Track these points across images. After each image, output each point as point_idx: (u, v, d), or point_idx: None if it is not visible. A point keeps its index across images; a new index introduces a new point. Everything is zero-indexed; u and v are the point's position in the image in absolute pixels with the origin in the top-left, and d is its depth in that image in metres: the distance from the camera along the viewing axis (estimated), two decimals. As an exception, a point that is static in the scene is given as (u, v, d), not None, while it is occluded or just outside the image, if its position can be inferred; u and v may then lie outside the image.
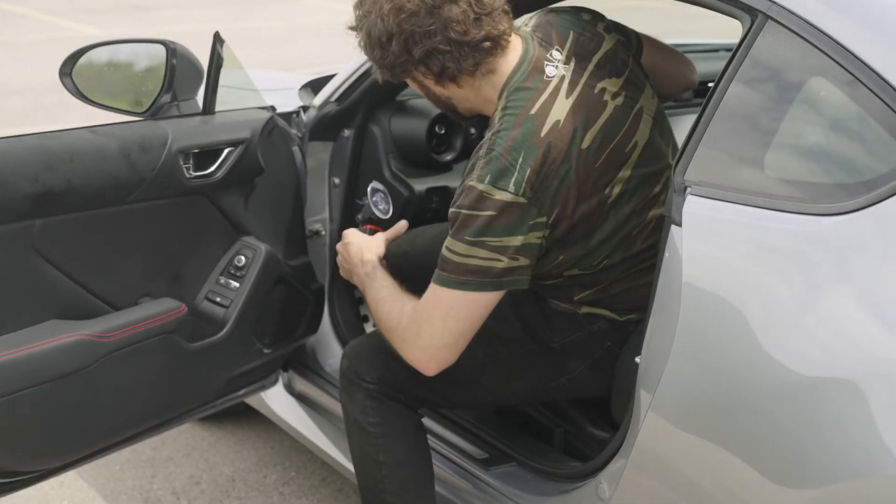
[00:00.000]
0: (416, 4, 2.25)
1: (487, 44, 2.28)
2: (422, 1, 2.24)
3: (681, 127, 3.05)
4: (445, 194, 3.20)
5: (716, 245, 2.04)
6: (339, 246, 2.73)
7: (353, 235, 2.70)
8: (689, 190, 2.06)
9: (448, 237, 2.27)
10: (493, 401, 2.74)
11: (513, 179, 2.20)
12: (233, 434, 3.83)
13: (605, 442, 2.61)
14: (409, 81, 2.45)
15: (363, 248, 2.63)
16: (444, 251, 2.27)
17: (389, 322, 2.43)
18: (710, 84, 2.18)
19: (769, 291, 1.92)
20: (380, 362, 2.57)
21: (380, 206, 2.99)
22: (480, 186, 2.21)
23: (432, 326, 2.31)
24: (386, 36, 2.28)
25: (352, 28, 2.39)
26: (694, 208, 2.04)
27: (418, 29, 2.25)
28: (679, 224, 2.05)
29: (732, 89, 2.07)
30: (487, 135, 2.29)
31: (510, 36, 2.34)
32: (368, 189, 2.97)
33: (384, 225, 2.94)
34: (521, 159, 2.21)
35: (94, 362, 2.42)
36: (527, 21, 2.49)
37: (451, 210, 2.28)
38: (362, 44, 2.37)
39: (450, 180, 3.22)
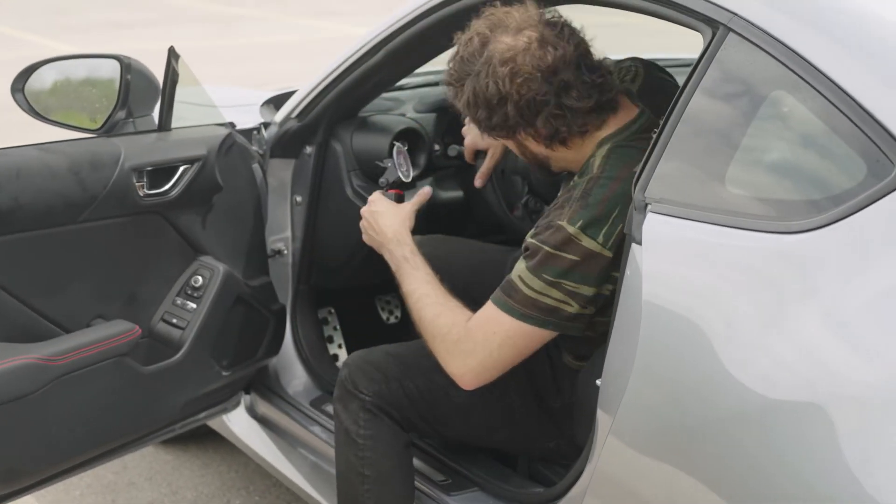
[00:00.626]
0: (531, 69, 2.19)
1: (601, 107, 2.27)
2: (536, 67, 2.19)
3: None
4: None
5: (676, 264, 1.98)
6: (364, 211, 2.65)
7: (382, 202, 2.64)
8: (649, 207, 2.01)
9: (524, 268, 2.23)
10: (480, 441, 2.70)
11: (603, 231, 2.18)
12: (197, 457, 3.76)
13: (570, 467, 2.55)
14: (503, 140, 2.39)
15: (394, 219, 2.58)
16: (516, 280, 2.24)
17: (435, 329, 2.37)
18: None
19: (731, 311, 1.86)
20: (379, 379, 2.54)
21: (403, 168, 2.87)
22: (570, 229, 2.18)
23: (486, 350, 2.28)
24: (497, 98, 2.23)
25: (449, 83, 2.34)
26: (654, 226, 1.99)
27: (535, 95, 2.21)
28: (639, 243, 2.00)
29: (693, 103, 2.01)
30: (583, 179, 2.25)
31: (620, 96, 2.33)
32: (394, 150, 2.87)
33: (406, 189, 2.84)
34: (616, 213, 2.18)
35: (44, 386, 2.35)
36: (628, 76, 2.45)
37: (531, 240, 2.24)
38: (463, 102, 2.31)
39: (412, 197, 3.15)
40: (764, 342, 1.80)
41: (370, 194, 3.05)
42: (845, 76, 1.84)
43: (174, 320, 2.73)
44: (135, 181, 2.55)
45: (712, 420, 1.87)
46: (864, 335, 1.73)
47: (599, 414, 2.10)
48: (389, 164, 2.84)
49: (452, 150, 3.15)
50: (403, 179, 2.83)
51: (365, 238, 2.67)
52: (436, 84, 3.51)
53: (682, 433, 1.93)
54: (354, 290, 3.47)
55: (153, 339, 2.71)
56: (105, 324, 2.56)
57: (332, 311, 3.46)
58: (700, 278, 1.94)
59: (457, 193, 3.26)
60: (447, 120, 3.24)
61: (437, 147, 3.19)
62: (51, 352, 2.37)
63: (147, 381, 2.63)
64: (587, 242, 2.18)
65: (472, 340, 2.31)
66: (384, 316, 3.58)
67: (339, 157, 3.09)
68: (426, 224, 3.12)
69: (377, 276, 3.31)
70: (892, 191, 1.73)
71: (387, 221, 2.59)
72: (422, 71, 3.46)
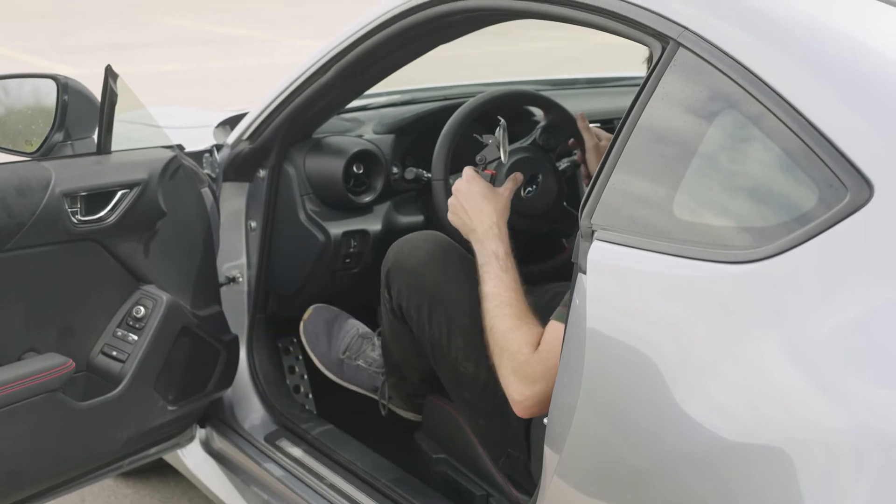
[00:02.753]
0: None
1: None
2: None
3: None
4: (364, 238, 3.01)
5: (623, 294, 1.86)
6: (459, 188, 2.44)
7: (480, 182, 2.44)
8: (595, 234, 1.88)
9: None
10: (456, 399, 2.61)
11: None
12: (157, 491, 3.63)
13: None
14: None
15: (493, 206, 2.39)
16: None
17: (505, 343, 2.20)
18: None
19: (680, 345, 1.74)
20: (405, 293, 2.55)
21: (503, 147, 2.66)
22: None
23: (546, 365, 2.10)
24: None
25: None
26: (599, 255, 1.86)
27: None
28: (584, 271, 1.87)
29: (641, 124, 1.89)
30: None
31: None
32: (498, 128, 2.66)
33: (499, 169, 2.67)
34: None
35: None
36: None
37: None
38: None
39: (369, 223, 3.03)
40: (719, 375, 1.67)
41: (324, 219, 2.94)
42: (799, 94, 1.71)
43: (114, 353, 2.60)
44: (67, 207, 2.43)
45: (662, 458, 1.74)
46: (830, 372, 1.59)
47: (546, 452, 1.97)
48: (491, 141, 2.64)
49: (409, 173, 3.02)
50: (502, 161, 2.64)
51: (451, 217, 2.47)
52: (399, 104, 3.39)
53: (630, 472, 1.79)
54: None
55: (91, 372, 2.58)
56: (36, 357, 2.43)
57: (295, 340, 3.33)
58: (649, 309, 1.81)
59: (416, 218, 3.13)
60: (406, 141, 3.12)
61: (395, 170, 3.07)
62: None
63: (83, 417, 2.50)
64: None
65: (541, 364, 2.12)
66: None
67: (293, 181, 2.96)
68: (383, 250, 3.00)
69: (335, 304, 3.20)
70: (847, 217, 1.60)
71: (485, 207, 2.38)
72: (384, 90, 3.35)
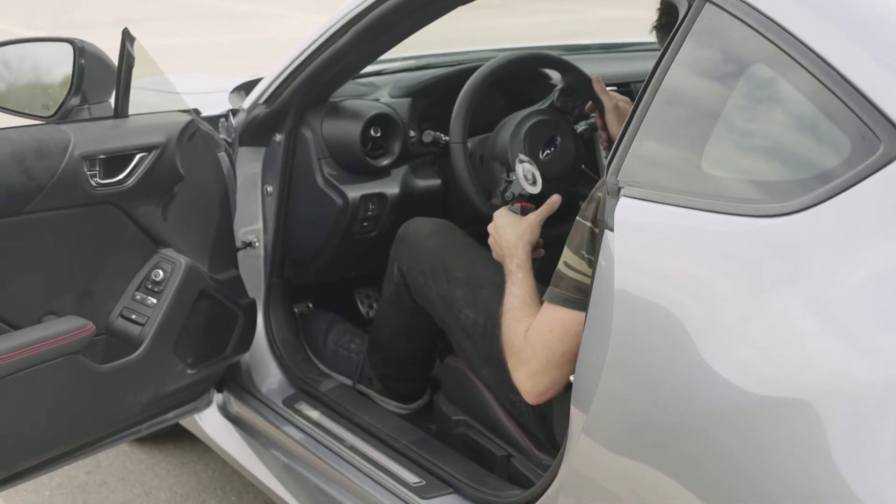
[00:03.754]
0: None
1: None
2: None
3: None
4: (382, 202, 3.00)
5: (651, 251, 1.85)
6: (490, 228, 2.57)
7: (502, 216, 2.56)
8: (622, 192, 1.87)
9: (567, 249, 2.14)
10: (462, 357, 2.68)
11: None
12: (173, 456, 3.63)
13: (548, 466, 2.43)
14: None
15: (511, 232, 2.49)
16: (560, 266, 2.15)
17: (508, 341, 2.31)
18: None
19: (710, 300, 1.73)
20: (414, 268, 2.69)
21: (529, 180, 2.68)
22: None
23: (548, 348, 2.18)
24: None
25: None
26: (627, 212, 1.85)
27: None
28: (612, 229, 1.86)
29: (668, 80, 1.88)
30: None
31: None
32: (516, 162, 2.69)
33: (536, 201, 2.68)
34: None
35: None
36: None
37: (577, 218, 2.14)
38: None
39: (387, 186, 3.02)
40: (745, 333, 1.67)
41: (342, 183, 2.93)
42: (830, 48, 1.70)
43: (133, 316, 2.59)
44: (86, 170, 2.42)
45: (689, 416, 1.73)
46: (855, 326, 1.59)
47: (573, 411, 1.96)
48: (514, 178, 2.69)
49: (427, 136, 3.01)
50: (531, 192, 2.67)
51: (494, 256, 2.59)
52: (414, 69, 3.38)
53: (658, 430, 1.79)
54: (332, 284, 3.34)
55: (111, 335, 2.58)
56: (56, 320, 2.42)
57: (310, 305, 3.33)
58: (676, 266, 1.80)
59: (434, 182, 3.12)
60: (423, 105, 3.10)
61: (412, 133, 3.05)
62: None
63: (103, 380, 2.50)
64: None
65: (530, 346, 2.22)
66: (363, 310, 3.44)
67: (310, 145, 2.95)
68: (401, 214, 3.00)
69: (351, 270, 3.20)
70: (880, 169, 1.59)
71: (504, 234, 2.51)
72: (399, 56, 3.34)
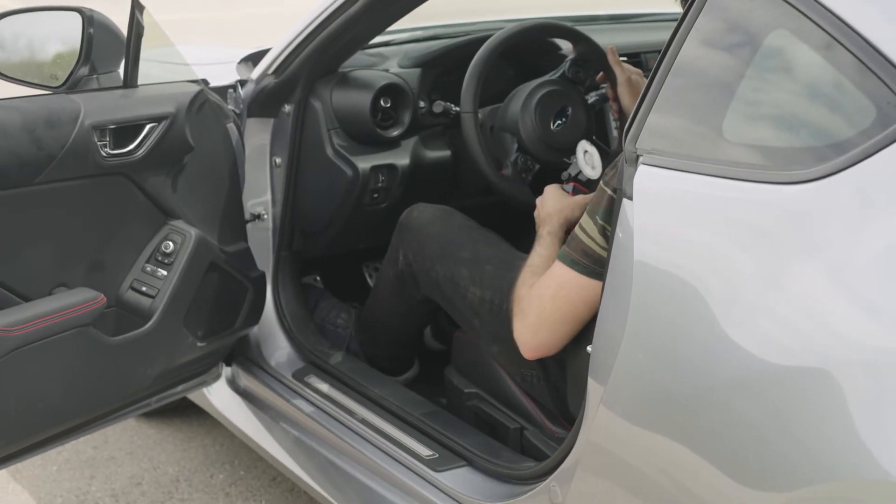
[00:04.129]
0: None
1: None
2: None
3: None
4: (392, 173, 2.98)
5: (670, 219, 1.83)
6: (537, 200, 2.58)
7: (549, 191, 2.57)
8: (640, 159, 1.85)
9: (586, 211, 2.16)
10: (472, 335, 2.67)
11: None
12: (180, 431, 3.62)
13: (564, 440, 2.41)
14: None
15: (550, 203, 2.50)
16: (576, 227, 2.17)
17: (516, 291, 2.33)
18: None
19: (730, 269, 1.71)
20: (418, 252, 2.69)
21: (590, 164, 2.70)
22: None
23: (542, 303, 2.22)
24: None
25: None
26: (646, 179, 1.83)
27: None
28: (630, 197, 1.84)
29: (687, 46, 1.85)
30: None
31: None
32: (577, 147, 2.70)
33: (592, 186, 2.67)
34: None
35: (0, 358, 2.20)
36: None
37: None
38: None
39: (397, 157, 2.99)
40: (766, 304, 1.65)
41: (352, 154, 2.91)
42: (853, 12, 1.67)
43: (144, 288, 2.57)
44: (96, 140, 2.39)
45: (710, 387, 1.72)
46: (875, 294, 1.57)
47: (590, 382, 1.95)
48: (574, 160, 2.71)
49: (438, 107, 2.98)
50: (590, 176, 2.67)
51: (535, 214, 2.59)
52: (422, 40, 3.35)
53: (678, 402, 1.78)
54: (341, 257, 3.32)
55: (121, 308, 2.56)
56: (67, 292, 2.40)
57: (318, 278, 3.31)
58: (695, 234, 1.79)
59: (444, 153, 3.10)
60: (433, 75, 3.08)
61: (422, 104, 3.03)
62: (6, 322, 2.22)
63: (114, 352, 2.48)
64: None
65: (529, 296, 2.26)
66: (372, 283, 3.42)
67: (319, 115, 2.93)
68: (411, 185, 2.98)
69: (360, 242, 3.18)
70: (902, 136, 1.57)
71: (547, 205, 2.51)
72: (407, 27, 3.31)
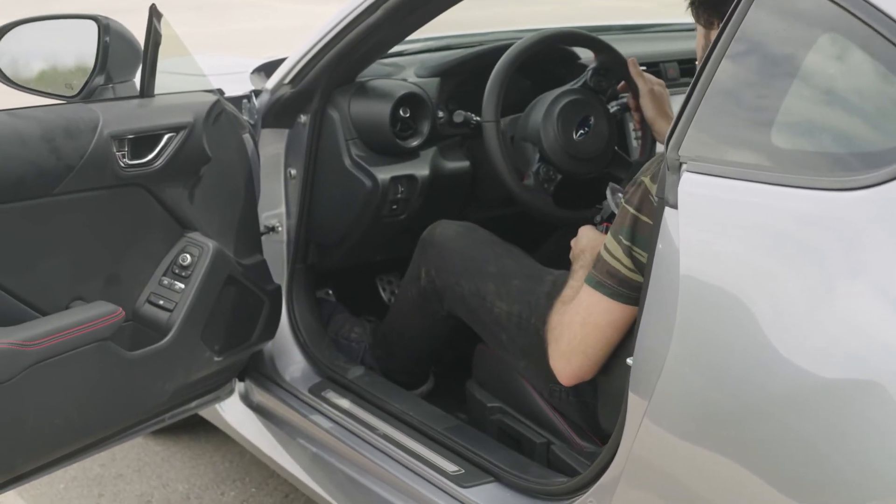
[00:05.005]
0: None
1: None
2: None
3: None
4: (412, 184, 2.93)
5: (717, 228, 1.78)
6: (572, 241, 2.51)
7: (585, 230, 2.51)
8: (684, 167, 1.80)
9: (609, 231, 2.14)
10: (499, 350, 2.62)
11: None
12: (189, 448, 3.56)
13: (594, 455, 2.36)
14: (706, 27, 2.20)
15: (588, 244, 2.43)
16: (601, 248, 2.15)
17: (549, 321, 2.30)
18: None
19: (780, 279, 1.67)
20: (442, 268, 2.65)
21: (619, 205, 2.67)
22: (646, 181, 2.05)
23: (571, 330, 2.20)
24: None
25: None
26: (691, 187, 1.79)
27: None
28: (674, 206, 1.80)
29: (733, 49, 1.81)
30: None
31: None
32: (608, 190, 2.66)
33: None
34: None
35: (18, 374, 2.13)
36: None
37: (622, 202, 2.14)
38: None
39: (416, 168, 2.94)
40: (818, 315, 1.60)
41: (371, 165, 2.86)
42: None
43: (161, 301, 2.52)
44: (115, 150, 2.34)
45: (761, 402, 1.68)
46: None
47: (631, 396, 1.90)
48: (605, 203, 2.65)
49: (458, 116, 2.93)
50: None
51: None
52: (435, 50, 3.31)
53: (729, 417, 1.73)
54: (354, 270, 3.27)
55: (138, 322, 2.50)
56: (85, 306, 2.35)
57: (330, 292, 3.26)
58: (743, 243, 1.74)
59: (462, 164, 3.05)
60: (452, 85, 3.03)
61: (440, 114, 2.98)
62: (25, 336, 2.16)
63: (132, 367, 2.42)
64: (654, 192, 2.00)
65: (560, 325, 2.24)
66: (385, 297, 3.37)
67: (337, 126, 2.87)
68: (430, 196, 2.94)
69: (377, 254, 3.13)
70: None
71: (580, 242, 2.45)
72: (421, 37, 3.27)
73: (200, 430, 3.57)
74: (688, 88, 1.89)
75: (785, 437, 1.65)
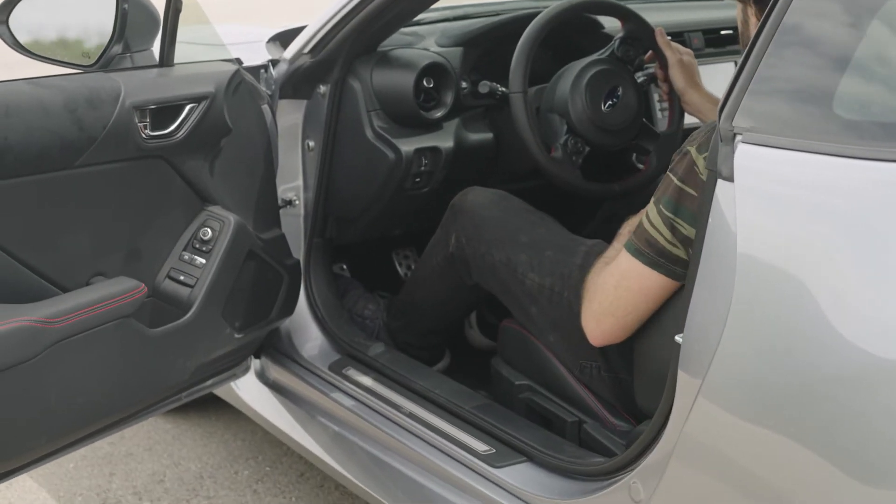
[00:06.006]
0: None
1: None
2: None
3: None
4: (436, 156, 2.86)
5: (776, 202, 1.71)
6: None
7: None
8: (739, 138, 1.74)
9: (652, 198, 2.10)
10: (525, 323, 2.56)
11: None
12: (199, 426, 3.49)
13: (628, 434, 2.30)
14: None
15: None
16: (643, 214, 2.11)
17: (587, 279, 2.29)
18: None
19: (844, 256, 1.60)
20: (473, 237, 2.58)
21: None
22: (692, 151, 2.01)
23: (605, 291, 2.18)
24: None
25: None
26: (747, 159, 1.72)
27: None
28: (728, 178, 1.73)
29: (791, 15, 1.73)
30: None
31: None
32: None
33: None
34: None
35: (40, 352, 2.07)
36: None
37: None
38: None
39: (440, 140, 2.86)
40: (882, 294, 1.55)
41: (394, 136, 2.80)
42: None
43: (182, 277, 2.45)
44: (137, 121, 2.27)
45: (824, 382, 1.62)
46: None
47: (680, 374, 1.84)
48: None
49: (483, 87, 2.86)
50: None
51: None
52: (453, 19, 3.23)
53: (789, 396, 1.67)
54: (369, 244, 3.20)
55: (158, 298, 2.43)
56: (107, 282, 2.28)
57: (344, 266, 3.19)
58: (805, 218, 1.67)
59: (486, 135, 2.98)
60: (475, 54, 2.96)
61: (464, 84, 2.91)
62: (47, 313, 2.09)
63: (154, 345, 2.36)
64: (700, 164, 1.96)
65: (595, 285, 2.22)
66: (402, 271, 3.30)
67: (358, 96, 2.80)
68: (453, 169, 2.87)
69: (397, 228, 3.07)
70: None
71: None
72: (440, 6, 3.19)
73: (211, 407, 3.51)
74: (739, 58, 1.82)
75: (848, 418, 1.60)
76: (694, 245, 1.84)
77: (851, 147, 1.63)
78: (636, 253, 2.08)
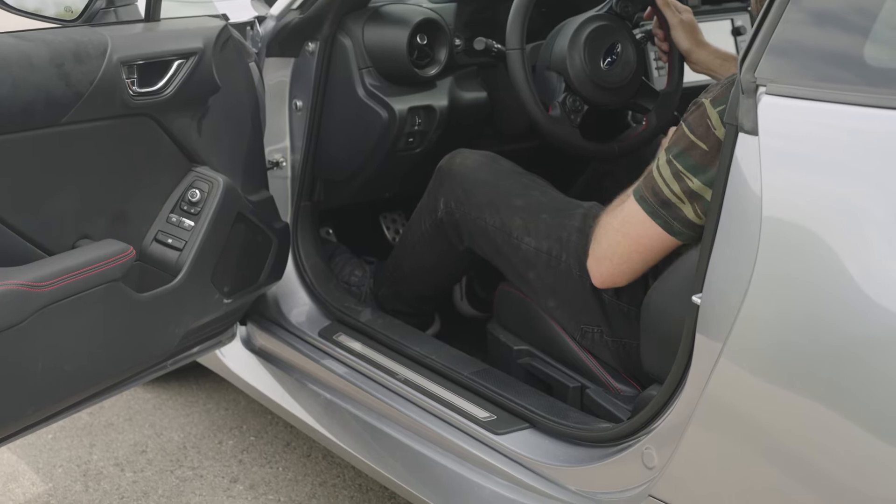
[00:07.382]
0: None
1: None
2: None
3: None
4: (430, 115, 2.77)
5: (804, 155, 1.65)
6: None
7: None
8: (762, 90, 1.67)
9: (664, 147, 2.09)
10: (522, 287, 2.49)
11: None
12: (180, 395, 3.40)
13: (633, 398, 2.24)
14: None
15: None
16: (652, 164, 2.09)
17: (597, 223, 2.25)
18: None
19: (874, 214, 1.54)
20: (463, 200, 2.51)
21: None
22: (707, 103, 1.97)
23: (608, 233, 2.17)
24: None
25: None
26: (771, 111, 1.65)
27: None
28: (751, 132, 1.66)
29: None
30: None
31: None
32: None
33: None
34: None
35: (28, 317, 1.98)
36: None
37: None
38: None
39: (434, 98, 2.78)
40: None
41: (387, 95, 2.71)
42: None
43: (170, 240, 2.36)
44: (124, 77, 2.18)
45: (853, 344, 1.57)
46: None
47: (699, 337, 1.77)
48: None
49: (479, 44, 2.76)
50: None
51: None
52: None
53: (815, 358, 1.62)
54: (356, 208, 3.11)
55: (146, 262, 2.34)
56: (94, 244, 2.19)
57: (330, 231, 3.11)
58: (834, 172, 1.61)
59: (480, 94, 2.89)
60: (469, 10, 2.87)
61: (457, 41, 2.82)
62: (34, 277, 2.00)
63: (143, 310, 2.27)
64: (714, 118, 1.92)
65: (601, 226, 2.20)
66: (389, 235, 3.22)
67: (349, 54, 2.71)
68: (446, 129, 2.80)
69: (387, 190, 2.99)
70: None
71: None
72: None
73: (192, 376, 3.42)
74: (735, 15, 1.76)
75: (879, 381, 1.54)
76: (711, 202, 1.77)
77: (886, 97, 1.56)
78: (640, 200, 2.07)
